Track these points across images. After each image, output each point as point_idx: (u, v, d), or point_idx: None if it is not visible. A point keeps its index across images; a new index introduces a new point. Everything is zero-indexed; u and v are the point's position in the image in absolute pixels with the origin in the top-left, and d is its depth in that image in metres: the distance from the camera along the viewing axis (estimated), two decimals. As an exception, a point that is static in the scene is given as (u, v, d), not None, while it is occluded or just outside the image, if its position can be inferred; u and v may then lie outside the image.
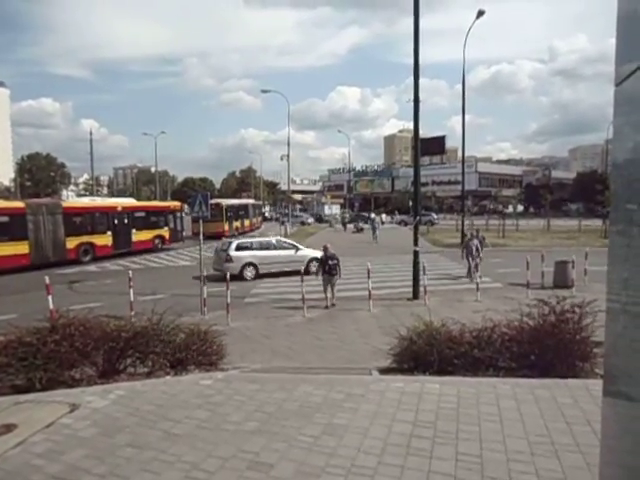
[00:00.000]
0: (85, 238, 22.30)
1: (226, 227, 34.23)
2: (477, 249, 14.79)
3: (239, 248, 16.24)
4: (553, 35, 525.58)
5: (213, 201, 36.25)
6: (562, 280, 12.98)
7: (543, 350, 5.38)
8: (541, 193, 55.29)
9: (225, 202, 37.11)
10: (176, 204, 29.64)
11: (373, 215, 49.53)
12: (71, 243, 21.49)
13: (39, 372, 5.22)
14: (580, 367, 5.43)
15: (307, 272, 13.99)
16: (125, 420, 4.18)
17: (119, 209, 24.91)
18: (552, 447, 3.50)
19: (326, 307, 11.46)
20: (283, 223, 33.19)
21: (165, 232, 27.48)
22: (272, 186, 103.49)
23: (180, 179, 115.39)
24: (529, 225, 37.10)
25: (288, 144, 43.07)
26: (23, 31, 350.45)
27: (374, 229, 30.12)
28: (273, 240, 17.69)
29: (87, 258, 22.19)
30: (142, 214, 26.45)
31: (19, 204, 21.45)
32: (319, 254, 14.33)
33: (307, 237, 34.59)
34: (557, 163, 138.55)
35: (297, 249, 16.78)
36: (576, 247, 20.19)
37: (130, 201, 29.73)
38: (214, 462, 3.39)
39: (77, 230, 21.94)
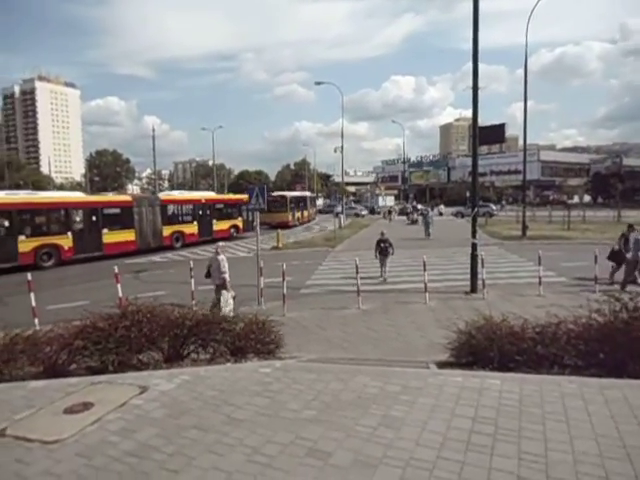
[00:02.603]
0: (177, 227, 25.27)
1: (290, 217, 37.74)
2: None
3: None
4: (625, 12, 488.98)
5: (279, 194, 40.42)
6: (634, 275, 12.17)
7: (614, 348, 5.08)
8: (611, 182, 51.90)
9: (289, 194, 40.65)
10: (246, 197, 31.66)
11: (420, 206, 47.69)
12: (167, 231, 24.49)
13: (111, 355, 5.58)
14: (656, 368, 5.08)
15: None
16: (190, 403, 4.39)
17: (203, 201, 27.59)
18: (624, 450, 3.32)
19: (381, 276, 14.13)
20: (337, 215, 33.23)
21: (239, 222, 29.82)
22: (326, 178, 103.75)
23: (236, 172, 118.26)
24: (597, 216, 34.98)
25: (342, 136, 43.05)
26: (90, 34, 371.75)
27: (427, 224, 26.88)
28: None
29: (178, 244, 25.09)
30: (221, 206, 28.89)
31: (128, 198, 24.90)
32: None
33: (361, 229, 34.50)
34: (629, 150, 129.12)
35: None
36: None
37: (211, 194, 32.51)
38: (274, 447, 3.49)
39: (171, 220, 24.99)
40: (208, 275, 10.15)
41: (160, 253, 22.97)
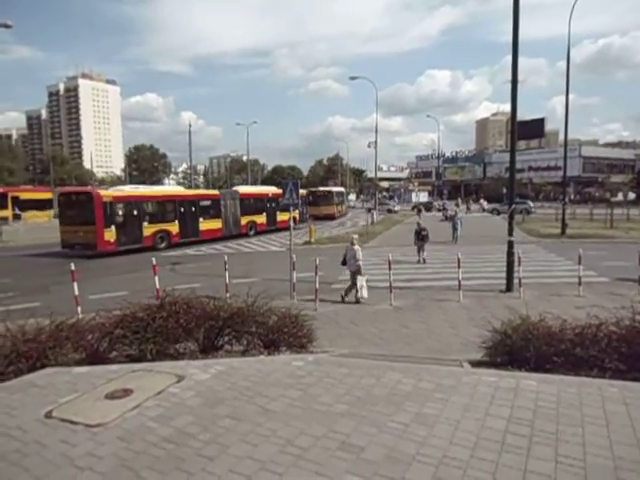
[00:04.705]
0: (251, 217, 28.63)
1: (334, 210, 41.77)
2: None
3: None
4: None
5: (326, 189, 45.45)
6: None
7: (659, 352, 4.88)
8: (658, 179, 49.47)
9: (334, 189, 44.84)
10: (303, 192, 34.81)
11: (447, 203, 45.61)
12: (243, 221, 27.98)
13: (149, 344, 5.77)
14: None
15: None
16: (224, 393, 4.48)
17: (270, 195, 30.43)
18: (669, 458, 3.19)
19: (418, 261, 15.96)
20: (369, 210, 33.08)
21: (297, 214, 32.18)
22: (359, 173, 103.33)
23: (270, 167, 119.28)
24: (642, 215, 33.50)
25: (376, 130, 42.84)
26: (130, 33, 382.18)
27: (455, 227, 22.74)
28: None
29: (252, 233, 28.41)
30: None
31: (216, 192, 29.13)
32: None
33: (394, 225, 34.22)
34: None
35: None
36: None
37: (274, 189, 34.65)
38: (307, 439, 3.53)
39: (246, 211, 28.28)
40: (344, 263, 11.52)
41: (239, 239, 26.48)
